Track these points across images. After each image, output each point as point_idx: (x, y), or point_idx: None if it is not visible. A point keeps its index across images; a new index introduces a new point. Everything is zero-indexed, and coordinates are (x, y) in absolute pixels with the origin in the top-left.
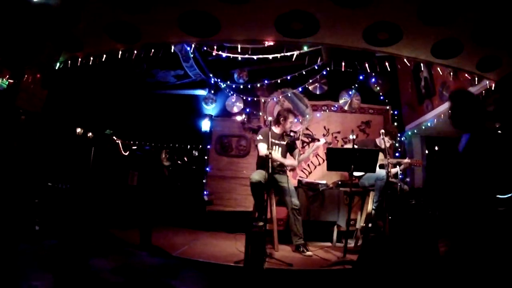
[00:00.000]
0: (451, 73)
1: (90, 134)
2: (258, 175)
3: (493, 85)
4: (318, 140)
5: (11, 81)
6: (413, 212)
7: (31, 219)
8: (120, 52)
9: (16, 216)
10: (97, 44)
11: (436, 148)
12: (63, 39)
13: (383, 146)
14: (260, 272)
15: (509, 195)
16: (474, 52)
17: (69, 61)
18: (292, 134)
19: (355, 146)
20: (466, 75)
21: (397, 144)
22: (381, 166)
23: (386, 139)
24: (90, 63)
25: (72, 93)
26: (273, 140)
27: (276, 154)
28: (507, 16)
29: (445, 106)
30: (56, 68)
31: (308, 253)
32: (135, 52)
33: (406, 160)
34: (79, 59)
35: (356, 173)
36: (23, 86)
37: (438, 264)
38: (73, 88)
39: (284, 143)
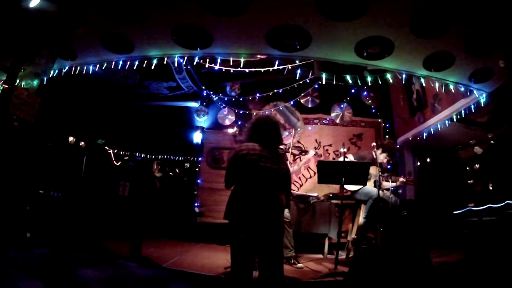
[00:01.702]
0: (443, 86)
1: (82, 143)
2: None
3: (485, 96)
4: (307, 153)
5: (6, 86)
6: (405, 223)
7: (23, 226)
8: (114, 63)
9: (7, 223)
10: (91, 53)
11: (428, 160)
12: (58, 47)
13: (378, 160)
14: (249, 284)
15: (502, 204)
16: (466, 64)
17: (63, 70)
18: (281, 147)
19: (352, 158)
20: (458, 87)
21: (391, 161)
22: (375, 183)
23: (384, 155)
24: (84, 72)
25: (65, 102)
26: None
27: None
28: (499, 27)
29: (438, 118)
30: (50, 76)
31: (299, 265)
32: (128, 63)
33: (401, 179)
34: (73, 68)
35: (350, 188)
36: (17, 93)
37: (430, 274)
38: (66, 97)
39: None
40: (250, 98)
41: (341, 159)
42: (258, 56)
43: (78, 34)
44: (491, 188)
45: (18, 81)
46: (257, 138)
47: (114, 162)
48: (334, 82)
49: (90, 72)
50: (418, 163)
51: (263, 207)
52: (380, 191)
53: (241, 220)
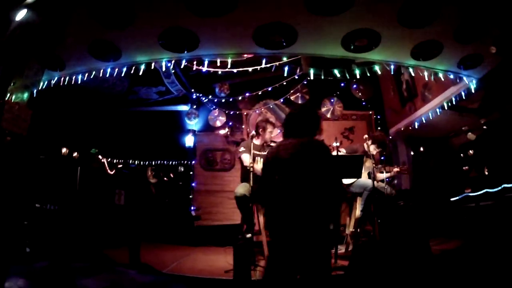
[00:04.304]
0: (432, 74)
1: (75, 153)
2: (242, 189)
3: (476, 82)
4: None
5: None
6: (402, 214)
7: (22, 241)
8: (102, 71)
9: (7, 238)
10: (79, 62)
11: (421, 149)
12: (46, 58)
13: (370, 152)
14: (249, 284)
15: (499, 188)
16: (455, 51)
17: (52, 81)
18: (272, 144)
19: (344, 152)
20: (447, 74)
21: (384, 152)
22: (369, 175)
23: (373, 147)
24: (73, 82)
25: (56, 114)
26: (255, 152)
27: (258, 166)
28: (488, 12)
29: (429, 107)
30: (40, 88)
31: None
32: (116, 70)
33: (395, 169)
34: (62, 79)
35: (345, 181)
36: (8, 107)
37: (431, 263)
38: (57, 109)
39: (265, 153)
40: (240, 98)
41: (334, 153)
42: (245, 55)
43: (65, 44)
44: (486, 173)
45: (8, 95)
46: (290, 133)
47: (108, 170)
48: (323, 77)
49: (79, 82)
50: (412, 153)
51: (304, 218)
52: (375, 182)
53: (284, 235)
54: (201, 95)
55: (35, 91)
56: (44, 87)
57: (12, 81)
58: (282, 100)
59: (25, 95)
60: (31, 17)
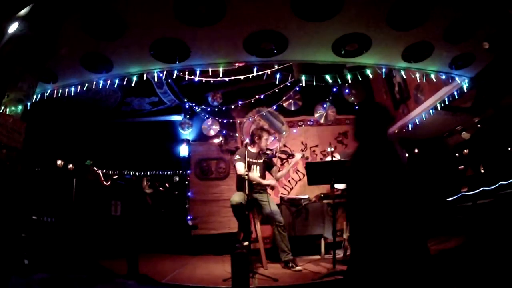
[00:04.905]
0: (424, 75)
1: (70, 165)
2: (238, 197)
3: (468, 81)
4: (293, 156)
5: None
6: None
7: (20, 254)
8: (94, 83)
9: (5, 251)
10: (72, 75)
11: (416, 150)
12: (39, 70)
13: None
14: None
15: (495, 186)
16: (446, 52)
17: (45, 94)
18: (268, 152)
19: (339, 157)
20: (439, 75)
21: None
22: None
23: None
24: (66, 94)
25: (50, 126)
26: (250, 160)
27: (253, 174)
28: (479, 9)
29: (421, 108)
30: (33, 101)
31: (298, 268)
32: (109, 81)
33: None
34: (55, 91)
35: (341, 186)
36: (2, 120)
37: (430, 264)
38: (51, 121)
39: (261, 161)
40: (233, 106)
41: (329, 159)
42: (237, 64)
43: (57, 56)
44: (482, 171)
45: (2, 108)
46: (356, 136)
47: (104, 182)
48: (314, 83)
49: (72, 94)
50: (407, 155)
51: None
52: None
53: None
54: (194, 104)
55: (28, 103)
56: (37, 99)
57: (5, 94)
58: (275, 107)
59: (19, 108)
60: (23, 29)
